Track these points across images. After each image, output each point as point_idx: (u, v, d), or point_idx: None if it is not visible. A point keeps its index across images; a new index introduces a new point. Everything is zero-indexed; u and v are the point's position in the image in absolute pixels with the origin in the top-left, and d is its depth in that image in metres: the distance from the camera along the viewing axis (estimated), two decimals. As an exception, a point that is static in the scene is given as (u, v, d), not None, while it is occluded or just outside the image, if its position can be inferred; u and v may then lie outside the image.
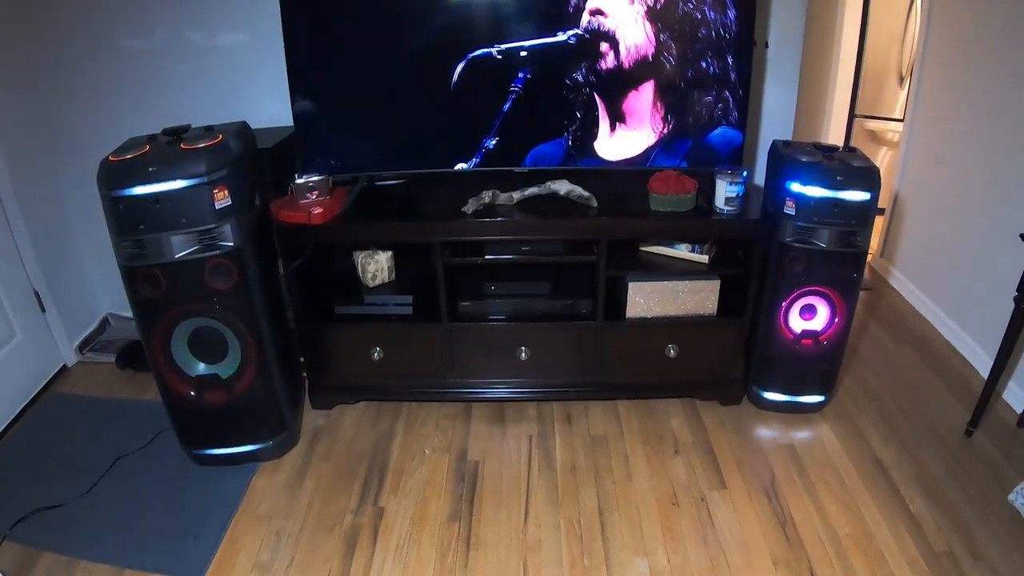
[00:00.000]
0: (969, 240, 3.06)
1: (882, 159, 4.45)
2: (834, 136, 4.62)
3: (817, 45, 4.57)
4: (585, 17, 2.32)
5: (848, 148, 2.41)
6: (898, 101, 4.28)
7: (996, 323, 2.41)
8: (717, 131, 2.46)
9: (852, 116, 4.57)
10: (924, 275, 3.49)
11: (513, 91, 2.40)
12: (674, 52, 2.36)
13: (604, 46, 2.35)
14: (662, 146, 2.49)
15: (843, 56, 4.45)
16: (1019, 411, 2.63)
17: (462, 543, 2.12)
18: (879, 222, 3.99)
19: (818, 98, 4.66)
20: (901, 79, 4.24)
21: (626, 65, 2.38)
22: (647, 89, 2.42)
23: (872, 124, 4.49)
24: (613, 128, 2.47)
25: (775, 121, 2.95)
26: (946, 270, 3.27)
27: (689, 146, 2.48)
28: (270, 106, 2.78)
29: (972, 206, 3.04)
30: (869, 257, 3.96)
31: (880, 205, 3.98)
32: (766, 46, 2.77)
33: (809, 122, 4.77)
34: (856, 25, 4.40)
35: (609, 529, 2.16)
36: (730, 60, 2.37)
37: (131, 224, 2.04)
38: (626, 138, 2.48)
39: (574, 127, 2.47)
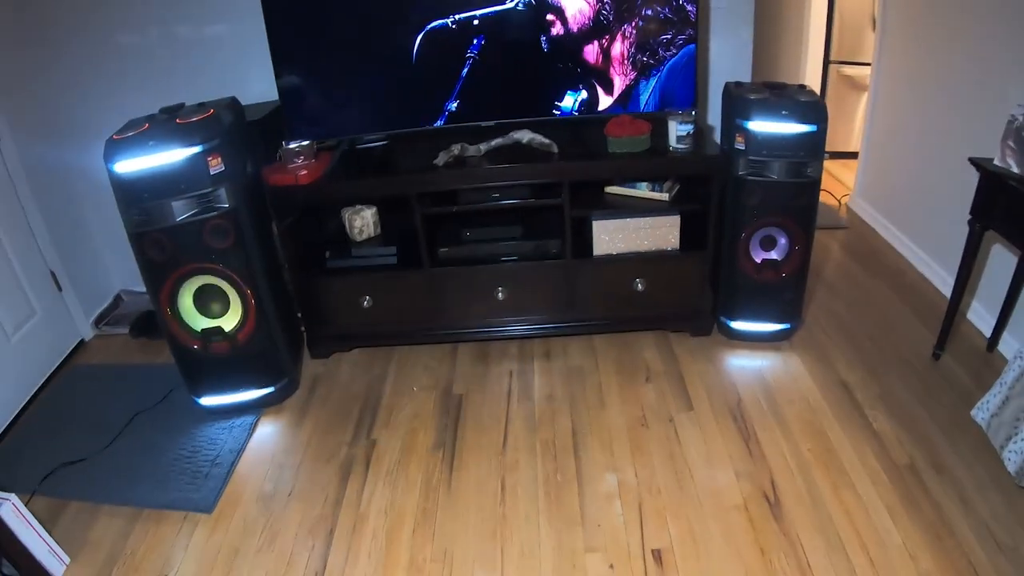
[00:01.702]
0: (935, 172, 3.16)
1: (862, 104, 4.52)
2: (811, 84, 4.68)
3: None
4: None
5: (799, 86, 2.53)
6: (874, 46, 4.34)
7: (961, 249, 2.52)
8: (679, 55, 2.60)
9: (827, 62, 4.65)
10: (897, 211, 3.60)
11: (470, 57, 2.59)
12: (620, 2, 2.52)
13: (551, 10, 2.53)
14: (630, 87, 2.65)
15: (815, 2, 4.52)
16: (987, 334, 2.73)
17: (446, 466, 2.31)
18: (854, 164, 4.10)
19: (794, 46, 4.74)
20: (874, 24, 4.31)
21: (576, 22, 2.54)
22: (604, 40, 2.57)
23: (849, 70, 4.55)
24: (580, 82, 2.64)
25: (731, 68, 3.06)
26: (916, 203, 3.38)
27: (653, 80, 2.64)
28: (256, 84, 2.96)
29: (936, 139, 3.15)
30: (846, 198, 4.08)
31: (856, 148, 4.11)
32: (719, -4, 2.89)
33: (786, 70, 4.85)
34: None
35: (581, 450, 2.33)
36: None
37: (136, 194, 2.26)
38: (593, 90, 2.65)
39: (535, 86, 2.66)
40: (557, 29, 2.56)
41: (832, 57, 4.64)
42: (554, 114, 2.69)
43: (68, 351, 3.13)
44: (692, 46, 2.57)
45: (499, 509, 2.13)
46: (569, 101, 2.66)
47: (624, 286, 2.73)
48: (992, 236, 2.49)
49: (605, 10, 2.53)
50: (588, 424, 2.44)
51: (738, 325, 2.78)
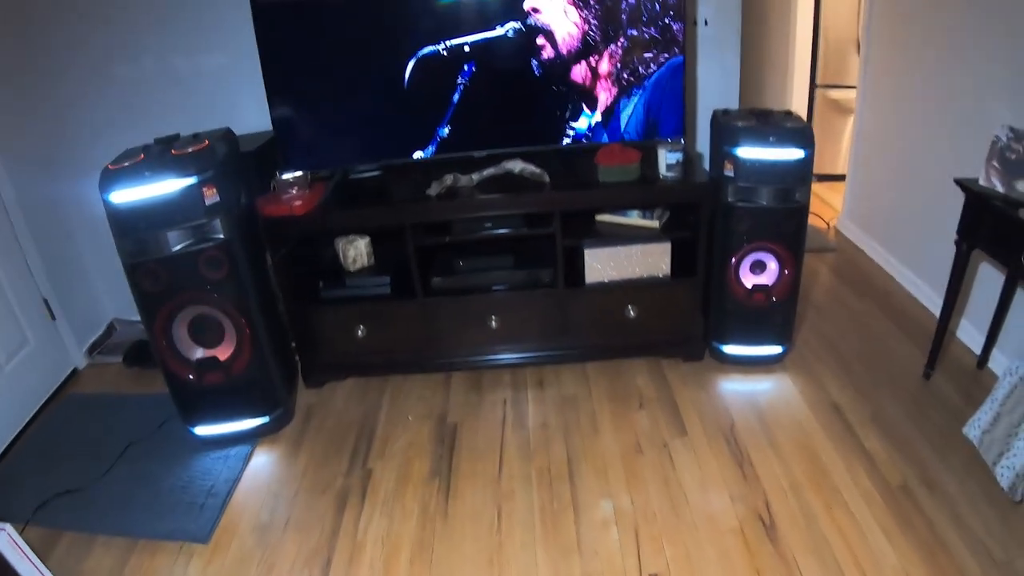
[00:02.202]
0: (922, 193, 3.21)
1: (849, 128, 4.58)
2: (797, 108, 4.75)
3: (774, 19, 4.72)
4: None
5: (785, 112, 2.58)
6: (858, 69, 4.41)
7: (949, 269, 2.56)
8: (663, 68, 2.63)
9: (813, 87, 4.71)
10: (885, 232, 3.64)
11: (461, 83, 2.62)
12: (607, 25, 2.56)
13: (540, 35, 2.57)
14: (619, 109, 2.69)
15: (799, 28, 4.59)
16: (977, 352, 2.77)
17: (442, 495, 2.32)
18: (841, 186, 4.15)
19: (780, 71, 4.80)
20: (858, 47, 4.38)
21: (565, 46, 2.58)
22: (590, 62, 2.61)
23: (835, 94, 4.61)
24: (570, 104, 2.68)
25: (719, 95, 3.11)
26: (904, 224, 3.42)
27: (639, 94, 2.67)
28: (250, 115, 2.99)
29: (921, 160, 3.20)
30: (834, 221, 4.13)
31: (841, 171, 4.16)
32: (705, 23, 2.93)
33: (773, 95, 4.91)
34: (810, -4, 4.56)
35: (577, 477, 2.34)
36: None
37: (131, 224, 2.28)
38: (582, 110, 2.69)
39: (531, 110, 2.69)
40: (546, 54, 2.59)
41: (818, 81, 4.70)
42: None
43: (61, 380, 3.12)
44: (678, 59, 2.59)
45: (496, 537, 2.13)
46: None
47: (616, 313, 2.75)
48: (979, 255, 2.53)
49: (592, 33, 2.56)
50: (583, 451, 2.45)
51: (730, 350, 2.80)
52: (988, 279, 2.74)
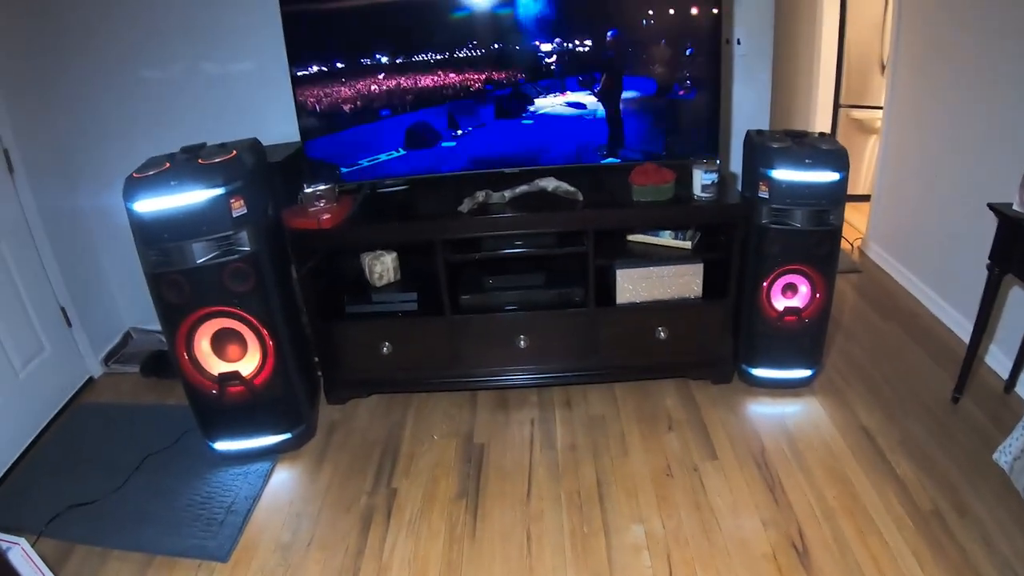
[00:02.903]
0: (948, 216, 3.19)
1: (871, 147, 4.57)
2: (821, 127, 4.74)
3: (800, 39, 4.72)
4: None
5: (819, 134, 2.55)
6: (883, 90, 4.40)
7: (978, 294, 2.53)
8: (697, 86, 2.62)
9: (837, 106, 4.70)
10: (910, 254, 3.62)
11: (494, 97, 2.61)
12: (642, 42, 2.57)
13: (575, 51, 2.56)
14: (648, 123, 2.68)
15: (824, 48, 4.59)
16: (1004, 376, 2.74)
17: (469, 516, 2.27)
18: (863, 206, 4.12)
19: (805, 91, 4.80)
20: (883, 68, 4.37)
21: (599, 61, 2.58)
22: (623, 78, 2.61)
23: (858, 113, 4.61)
24: (603, 119, 2.67)
25: (751, 115, 3.09)
26: (930, 247, 3.39)
27: (673, 112, 2.68)
28: (278, 124, 2.96)
29: (948, 184, 3.18)
30: (858, 241, 4.10)
31: (866, 191, 4.14)
32: (738, 43, 2.91)
33: (798, 115, 4.90)
34: (835, 17, 4.55)
35: (607, 500, 2.30)
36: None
37: (155, 234, 2.23)
38: (615, 126, 2.68)
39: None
40: (580, 70, 2.57)
41: (841, 101, 4.69)
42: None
43: (77, 388, 3.09)
44: (713, 77, 2.59)
45: (526, 560, 2.09)
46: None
47: (646, 334, 2.71)
48: (1009, 280, 2.50)
49: (626, 50, 2.56)
50: (612, 474, 2.41)
51: (759, 372, 2.76)
52: (1016, 303, 2.72)
